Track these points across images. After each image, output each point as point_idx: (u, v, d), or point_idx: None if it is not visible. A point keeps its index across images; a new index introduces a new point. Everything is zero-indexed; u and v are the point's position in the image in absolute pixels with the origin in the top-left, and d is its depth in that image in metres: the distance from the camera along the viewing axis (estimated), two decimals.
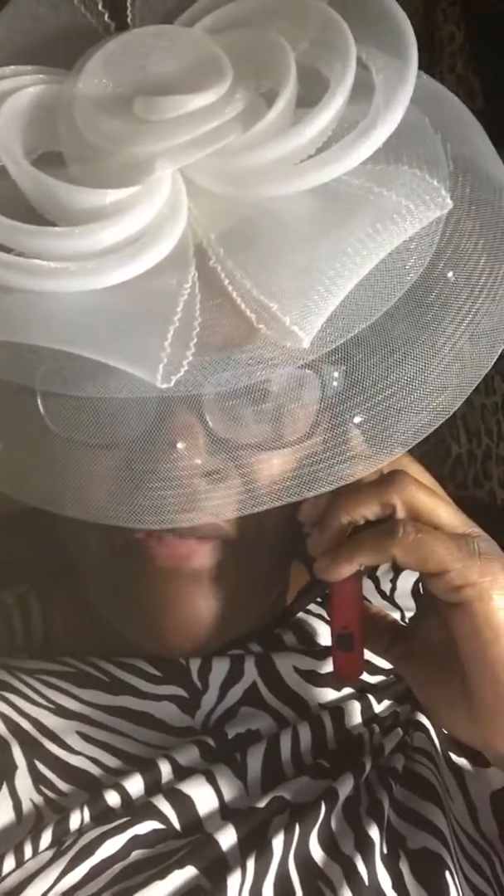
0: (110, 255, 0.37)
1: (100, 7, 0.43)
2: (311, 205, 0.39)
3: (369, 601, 0.54)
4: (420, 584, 0.59)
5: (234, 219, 0.39)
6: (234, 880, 0.43)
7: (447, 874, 0.46)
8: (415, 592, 0.59)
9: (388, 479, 0.42)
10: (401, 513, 0.42)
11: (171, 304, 0.36)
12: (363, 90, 0.40)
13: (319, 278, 0.36)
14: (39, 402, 0.40)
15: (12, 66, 0.41)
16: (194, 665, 0.51)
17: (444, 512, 0.43)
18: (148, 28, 0.41)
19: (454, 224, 0.41)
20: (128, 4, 0.43)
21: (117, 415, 0.39)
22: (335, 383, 0.41)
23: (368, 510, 0.42)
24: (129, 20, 0.43)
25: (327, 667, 0.53)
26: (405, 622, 0.57)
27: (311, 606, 0.56)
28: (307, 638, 0.54)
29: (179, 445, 0.39)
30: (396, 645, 0.48)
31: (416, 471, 0.44)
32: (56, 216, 0.39)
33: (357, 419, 0.40)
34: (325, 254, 0.37)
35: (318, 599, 0.56)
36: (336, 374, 0.41)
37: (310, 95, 0.40)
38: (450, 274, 0.40)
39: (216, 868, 0.44)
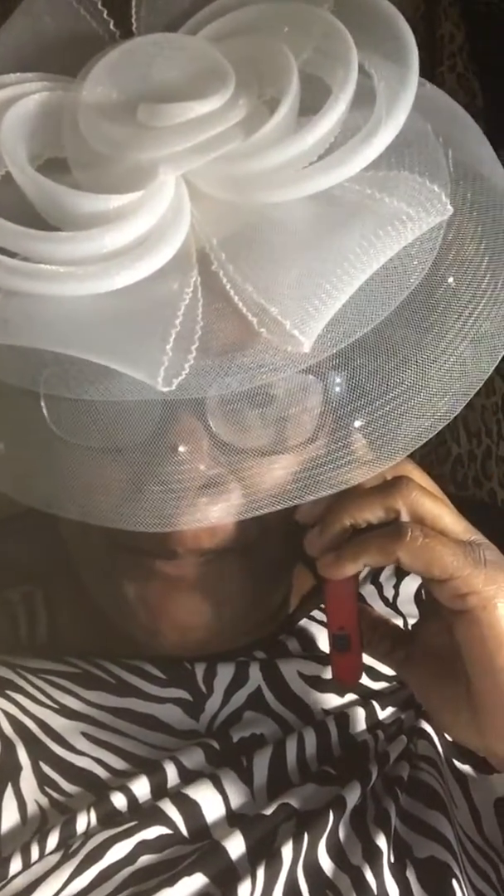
0: (113, 259, 0.37)
1: (105, 15, 0.44)
2: (312, 210, 0.39)
3: (371, 606, 0.54)
4: (422, 591, 0.59)
5: (236, 224, 0.39)
6: (244, 889, 0.43)
7: (454, 882, 0.46)
8: (417, 598, 0.59)
9: (393, 484, 0.43)
10: (405, 518, 0.42)
11: (172, 309, 0.37)
12: (365, 97, 0.40)
13: (320, 283, 0.37)
14: (43, 405, 0.40)
15: (17, 73, 0.42)
16: (199, 669, 0.51)
17: (449, 518, 0.43)
18: (152, 36, 0.42)
19: (455, 229, 0.41)
20: (132, 13, 0.43)
21: (120, 419, 0.40)
22: (337, 388, 0.41)
23: (372, 514, 0.42)
24: (133, 28, 0.44)
25: (331, 672, 0.53)
26: (408, 628, 0.57)
27: (315, 612, 0.56)
28: (310, 644, 0.55)
29: (182, 449, 0.39)
30: (398, 649, 0.48)
31: (419, 476, 0.44)
32: (60, 221, 0.39)
33: (358, 423, 0.40)
34: (326, 259, 0.37)
35: (322, 605, 0.56)
36: (338, 380, 0.41)
37: (312, 103, 0.40)
38: (451, 279, 0.40)
39: (226, 876, 0.44)
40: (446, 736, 0.52)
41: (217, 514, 0.40)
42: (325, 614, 0.56)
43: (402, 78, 0.40)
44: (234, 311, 0.38)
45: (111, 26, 0.44)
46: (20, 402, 0.41)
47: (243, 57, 0.41)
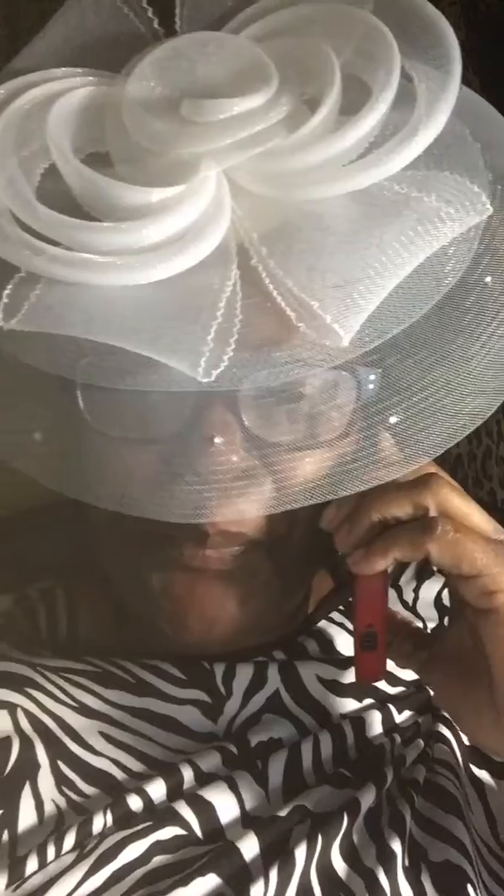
0: (154, 251, 0.37)
1: (149, 14, 0.44)
2: (352, 208, 0.39)
3: (392, 609, 0.54)
4: (442, 595, 0.59)
5: (276, 220, 0.39)
6: (256, 890, 0.43)
7: (469, 887, 0.46)
8: (437, 603, 0.59)
9: (423, 481, 0.42)
10: (434, 514, 0.42)
11: (213, 301, 0.37)
12: (405, 99, 0.41)
13: (360, 278, 0.37)
14: (79, 395, 0.41)
15: (63, 68, 0.42)
16: (218, 669, 0.51)
17: (478, 517, 0.43)
18: (196, 34, 0.42)
19: (493, 230, 0.41)
20: (176, 12, 0.44)
21: (154, 410, 0.40)
22: (371, 385, 0.41)
23: (401, 510, 0.42)
24: (177, 27, 0.44)
25: (349, 676, 0.53)
26: (428, 632, 0.57)
27: (333, 615, 0.56)
28: (328, 646, 0.55)
29: (216, 441, 0.40)
30: (420, 651, 0.48)
31: (444, 473, 0.44)
32: (102, 213, 0.39)
33: (392, 420, 0.40)
34: (365, 255, 0.38)
35: (341, 608, 0.56)
36: (372, 377, 0.41)
37: (352, 105, 0.41)
38: (488, 279, 0.41)
39: (239, 877, 0.43)
40: (464, 741, 0.52)
41: (248, 506, 0.40)
42: (344, 616, 0.56)
43: (444, 82, 0.41)
44: (272, 305, 0.38)
45: (155, 25, 0.44)
46: (56, 393, 0.41)
47: (285, 56, 0.42)
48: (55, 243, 0.38)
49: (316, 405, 0.41)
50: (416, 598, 0.59)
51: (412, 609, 0.58)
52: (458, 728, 0.52)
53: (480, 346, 0.40)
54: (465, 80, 0.42)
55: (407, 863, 0.46)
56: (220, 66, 0.41)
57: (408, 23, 0.42)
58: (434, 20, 0.41)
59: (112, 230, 0.37)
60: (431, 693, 0.53)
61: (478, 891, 0.46)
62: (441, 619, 0.58)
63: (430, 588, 0.59)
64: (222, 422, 0.40)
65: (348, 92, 0.41)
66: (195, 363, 0.36)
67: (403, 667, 0.50)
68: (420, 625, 0.57)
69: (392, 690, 0.54)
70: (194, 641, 0.47)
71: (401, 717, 0.53)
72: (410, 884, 0.45)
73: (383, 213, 0.39)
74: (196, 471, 0.40)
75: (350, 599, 0.48)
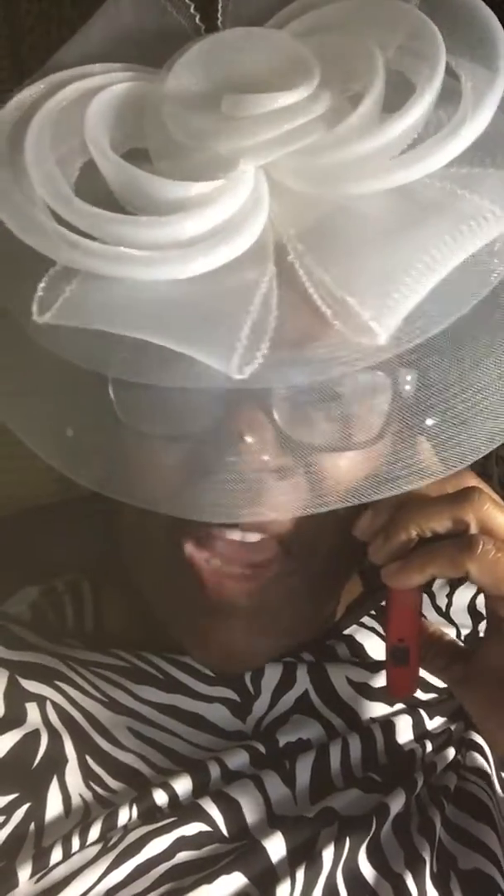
0: (191, 246, 0.37)
1: (191, 10, 0.44)
2: (392, 204, 0.39)
3: (426, 618, 0.53)
4: (476, 601, 0.58)
5: (314, 216, 0.39)
6: (283, 890, 0.43)
7: None
8: (471, 609, 0.58)
9: (464, 495, 0.41)
10: (473, 530, 0.41)
11: (248, 297, 0.37)
12: (450, 96, 0.40)
13: (400, 276, 0.36)
14: (111, 390, 0.40)
15: (102, 64, 0.42)
16: None
17: None
18: (238, 29, 0.42)
19: None
20: (219, 7, 0.44)
21: (186, 406, 0.40)
22: (407, 387, 0.40)
23: (440, 524, 0.41)
24: (219, 22, 0.44)
25: (380, 681, 0.52)
26: (461, 639, 0.56)
27: (364, 619, 0.55)
28: (359, 650, 0.54)
29: (248, 439, 0.39)
30: (454, 666, 0.47)
31: (486, 487, 0.43)
32: (139, 207, 0.39)
33: (429, 422, 0.39)
34: (406, 253, 0.37)
35: (373, 612, 0.55)
36: (409, 378, 0.40)
37: (395, 102, 0.40)
38: None
39: (265, 877, 0.43)
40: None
41: (279, 506, 0.40)
42: (375, 621, 0.55)
43: (491, 80, 0.40)
44: (308, 302, 0.37)
45: (197, 20, 0.44)
46: (88, 388, 0.41)
47: (329, 52, 0.41)
48: (92, 238, 0.38)
49: (351, 405, 0.41)
50: (449, 604, 0.58)
51: (445, 615, 0.57)
52: None
53: None
54: None
55: (436, 870, 0.45)
56: (262, 61, 0.41)
57: (455, 19, 0.41)
58: (482, 17, 0.41)
59: (148, 224, 0.37)
60: None
61: None
62: (475, 625, 0.57)
63: (464, 594, 0.58)
64: (254, 420, 0.39)
65: (392, 89, 0.41)
66: (228, 360, 0.35)
67: (438, 675, 0.48)
68: (454, 631, 0.56)
69: (424, 696, 0.53)
70: (217, 664, 0.46)
71: (432, 723, 0.52)
72: (439, 890, 0.45)
73: (424, 210, 0.38)
74: (227, 469, 0.39)
75: (382, 605, 0.47)
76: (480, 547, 0.40)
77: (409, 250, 0.37)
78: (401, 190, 0.38)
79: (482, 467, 0.99)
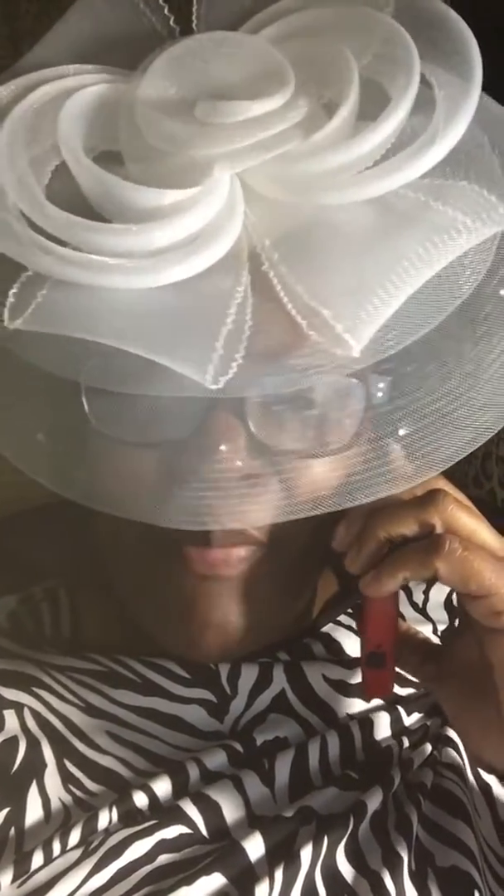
0: (165, 254, 0.37)
1: (165, 11, 0.43)
2: (367, 215, 0.39)
3: (402, 617, 0.54)
4: (452, 597, 0.59)
5: (289, 225, 0.39)
6: (261, 890, 0.43)
7: (476, 893, 0.45)
8: (447, 604, 0.59)
9: (428, 497, 0.42)
10: (440, 531, 0.42)
11: (223, 306, 0.36)
12: (425, 105, 0.40)
13: (373, 288, 0.36)
14: (84, 397, 0.40)
15: (76, 65, 0.42)
16: (224, 669, 0.51)
17: (486, 534, 0.42)
18: (213, 34, 0.42)
19: None
20: (193, 10, 0.43)
21: (160, 414, 0.39)
22: (380, 394, 0.41)
23: (407, 527, 0.42)
24: (193, 25, 0.44)
25: (357, 677, 0.52)
26: (437, 634, 0.57)
27: (342, 618, 0.56)
28: (336, 648, 0.54)
29: (221, 448, 0.39)
30: (428, 664, 0.47)
31: (452, 489, 0.44)
32: (113, 214, 0.39)
33: (402, 431, 0.40)
34: (380, 264, 0.37)
35: (349, 611, 0.56)
36: (382, 385, 0.41)
37: (370, 110, 0.40)
38: (502, 291, 0.40)
39: (244, 877, 0.43)
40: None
41: (252, 514, 0.40)
42: (352, 619, 0.55)
43: (464, 90, 0.40)
44: (283, 312, 0.37)
45: (171, 23, 0.44)
46: (60, 394, 0.40)
47: (303, 59, 0.41)
48: (65, 244, 0.37)
49: (325, 412, 0.41)
50: (426, 600, 0.58)
51: (422, 611, 0.58)
52: None
53: (494, 358, 0.40)
54: None
55: (413, 867, 0.46)
56: (237, 66, 0.41)
57: (429, 28, 0.41)
58: (455, 26, 0.41)
59: (123, 232, 0.37)
60: None
61: None
62: (451, 620, 0.58)
63: (440, 590, 0.59)
64: (229, 427, 0.39)
65: (366, 96, 0.41)
66: (203, 370, 0.35)
67: (412, 673, 0.49)
68: (430, 627, 0.57)
69: (402, 692, 0.53)
70: (197, 650, 0.46)
71: (410, 719, 0.52)
72: (416, 888, 0.45)
73: (399, 221, 0.38)
74: (201, 477, 0.39)
75: (359, 604, 0.48)
76: (447, 546, 0.40)
77: (384, 261, 0.37)
78: (376, 201, 0.39)
79: (483, 467, 1.00)
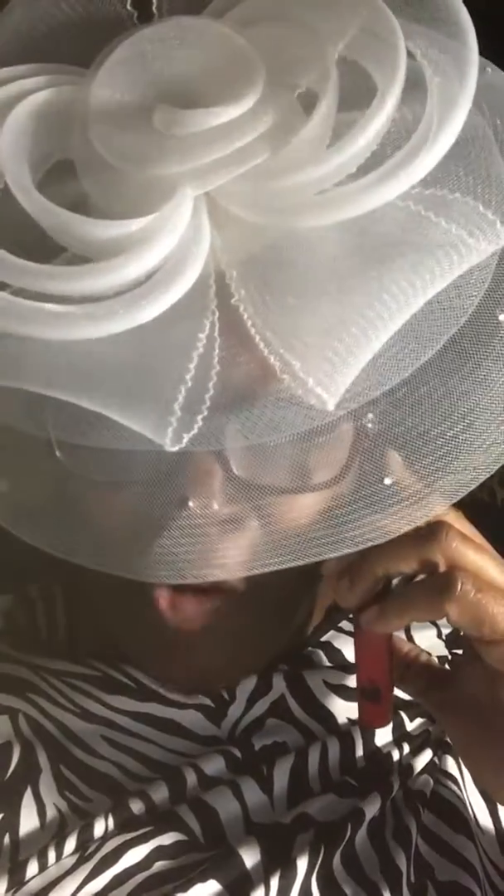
0: (120, 297, 0.33)
1: None
2: (348, 235, 0.34)
3: (404, 638, 0.52)
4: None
5: (259, 251, 0.35)
6: None
7: None
8: None
9: (431, 532, 0.39)
10: (443, 569, 0.39)
11: (185, 353, 0.33)
12: (414, 89, 0.35)
13: (348, 329, 0.32)
14: (53, 442, 0.37)
15: (16, 67, 0.37)
16: None
17: (494, 571, 0.39)
18: (170, 21, 0.37)
19: None
20: None
21: (130, 462, 0.37)
22: (370, 425, 0.37)
23: (406, 565, 0.39)
24: (153, 8, 0.38)
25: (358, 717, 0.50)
26: (442, 638, 0.55)
27: (343, 624, 0.54)
28: (337, 657, 0.53)
29: (194, 498, 0.36)
30: (433, 690, 0.45)
31: (456, 519, 0.40)
32: (68, 244, 0.35)
33: (388, 481, 0.36)
34: (358, 298, 0.33)
35: (351, 616, 0.54)
36: (371, 416, 0.37)
37: (352, 98, 0.35)
38: (502, 316, 0.36)
39: (239, 884, 0.43)
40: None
41: (229, 563, 0.37)
42: (352, 624, 0.53)
43: (461, 76, 0.35)
44: (253, 351, 0.34)
45: (128, 6, 0.38)
46: (29, 444, 0.38)
47: (274, 45, 0.36)
48: (5, 286, 0.34)
49: (308, 446, 0.37)
50: None
51: None
52: None
53: (495, 393, 0.36)
54: None
55: (413, 879, 0.45)
56: (197, 59, 0.36)
57: (420, 7, 0.35)
58: (453, 9, 0.35)
59: (69, 275, 0.33)
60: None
61: None
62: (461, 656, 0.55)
63: None
64: (201, 470, 0.36)
65: (349, 81, 0.36)
66: (163, 433, 0.32)
67: (415, 698, 0.47)
68: (434, 631, 0.55)
69: (405, 696, 0.51)
70: (183, 688, 0.45)
71: (412, 724, 0.51)
72: None
73: (385, 242, 0.34)
74: (174, 524, 0.37)
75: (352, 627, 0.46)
76: (459, 587, 0.38)
77: (362, 295, 0.33)
78: (358, 217, 0.34)
79: None
